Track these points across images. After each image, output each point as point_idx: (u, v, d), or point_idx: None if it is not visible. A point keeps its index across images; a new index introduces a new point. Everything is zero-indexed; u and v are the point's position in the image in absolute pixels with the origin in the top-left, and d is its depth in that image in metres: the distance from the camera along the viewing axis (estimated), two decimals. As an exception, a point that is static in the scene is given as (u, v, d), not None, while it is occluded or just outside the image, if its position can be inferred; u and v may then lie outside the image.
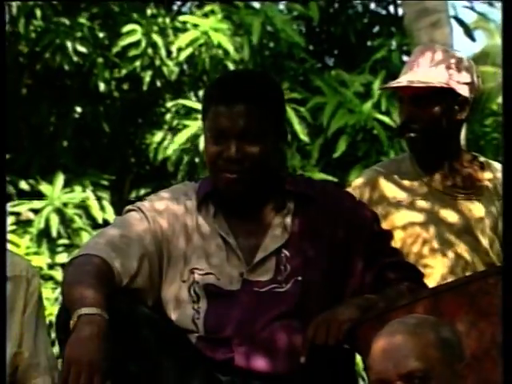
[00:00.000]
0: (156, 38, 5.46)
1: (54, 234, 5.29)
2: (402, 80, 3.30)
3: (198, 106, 5.30)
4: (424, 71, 3.30)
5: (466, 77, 3.36)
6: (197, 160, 5.47)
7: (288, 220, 2.75)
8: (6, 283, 2.52)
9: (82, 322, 2.41)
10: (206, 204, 2.76)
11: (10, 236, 5.11)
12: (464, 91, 3.34)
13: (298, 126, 5.22)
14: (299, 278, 2.68)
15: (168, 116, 5.56)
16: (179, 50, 5.44)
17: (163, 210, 2.77)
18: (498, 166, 3.63)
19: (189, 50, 5.39)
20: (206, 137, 2.77)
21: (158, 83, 5.56)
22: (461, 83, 3.32)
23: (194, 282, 2.68)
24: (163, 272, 2.71)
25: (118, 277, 2.60)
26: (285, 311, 2.65)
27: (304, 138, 5.37)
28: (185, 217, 2.75)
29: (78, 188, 5.47)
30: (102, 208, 5.42)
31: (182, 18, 5.69)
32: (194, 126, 5.38)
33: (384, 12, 6.27)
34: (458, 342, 2.28)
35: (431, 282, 3.11)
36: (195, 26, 5.39)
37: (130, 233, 2.71)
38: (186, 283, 2.69)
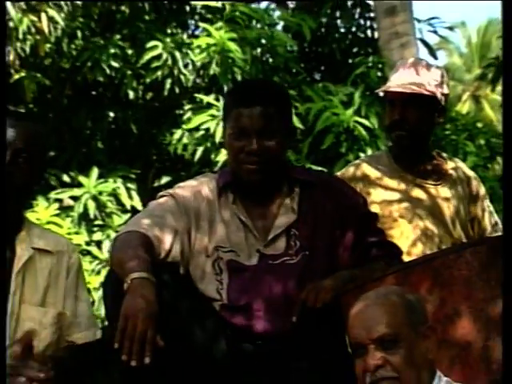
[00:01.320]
0: (174, 51, 5.47)
1: (91, 216, 5.30)
2: (400, 86, 3.30)
3: (211, 104, 5.34)
4: (415, 80, 3.30)
5: (445, 89, 3.39)
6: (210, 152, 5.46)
7: (295, 203, 2.78)
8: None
9: (134, 284, 2.44)
10: (226, 191, 2.79)
11: (54, 219, 5.14)
12: (443, 101, 3.37)
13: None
14: (306, 253, 2.71)
15: (185, 117, 5.56)
16: (193, 62, 5.43)
17: (190, 195, 2.79)
18: (457, 160, 3.67)
19: (202, 57, 5.39)
20: (228, 135, 2.76)
21: (177, 90, 5.56)
22: (442, 94, 3.34)
23: (218, 258, 2.72)
24: (191, 247, 2.74)
25: (157, 250, 2.64)
26: (294, 280, 2.68)
27: (298, 137, 5.36)
28: (208, 202, 2.78)
29: (110, 179, 5.49)
30: (130, 196, 5.44)
31: (196, 32, 5.68)
32: (206, 122, 5.40)
33: (363, 35, 6.28)
34: (422, 307, 2.28)
35: (403, 247, 3.14)
36: (208, 35, 5.41)
37: (164, 214, 2.74)
38: (210, 258, 2.72)
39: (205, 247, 2.74)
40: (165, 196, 2.83)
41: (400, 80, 3.32)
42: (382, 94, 3.66)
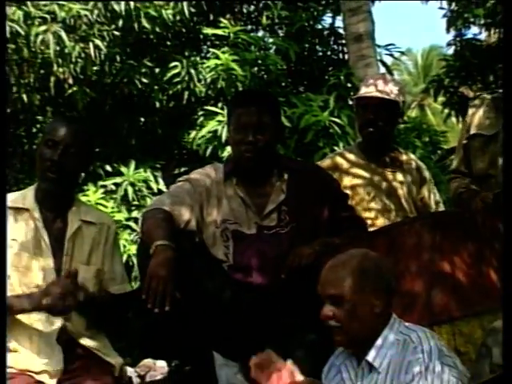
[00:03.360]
0: (190, 70, 5.46)
1: (129, 198, 5.30)
2: (373, 92, 3.27)
3: (218, 112, 5.33)
4: (384, 89, 3.27)
5: (404, 97, 3.38)
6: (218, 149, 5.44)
7: (284, 185, 2.76)
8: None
9: (158, 249, 2.44)
10: (230, 176, 2.77)
11: (101, 201, 5.14)
12: (402, 106, 3.35)
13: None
14: (294, 224, 2.69)
15: (199, 121, 5.54)
16: (205, 78, 5.41)
17: (202, 179, 2.78)
18: (409, 153, 3.65)
19: (211, 74, 5.38)
20: (230, 130, 2.77)
21: (192, 99, 5.53)
22: (401, 101, 3.31)
23: (225, 229, 2.70)
24: (204, 220, 2.72)
25: (177, 223, 2.63)
26: (284, 246, 2.66)
27: (286, 134, 5.36)
28: (216, 184, 2.76)
29: (142, 169, 5.47)
30: (157, 182, 5.43)
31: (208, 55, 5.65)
32: (215, 125, 5.37)
33: (336, 57, 6.31)
34: (377, 272, 2.20)
35: (368, 220, 3.14)
36: (216, 58, 5.41)
37: (182, 195, 2.73)
38: (219, 228, 2.70)
39: (214, 220, 2.72)
40: (182, 180, 2.82)
41: (373, 89, 3.29)
42: (353, 100, 3.63)
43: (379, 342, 2.19)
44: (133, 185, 5.28)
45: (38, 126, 6.15)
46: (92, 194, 5.14)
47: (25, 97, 5.56)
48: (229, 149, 3.08)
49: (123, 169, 5.44)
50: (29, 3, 5.26)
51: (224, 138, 5.19)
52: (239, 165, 2.74)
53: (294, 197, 2.73)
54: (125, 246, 2.70)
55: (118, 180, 5.35)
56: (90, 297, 2.54)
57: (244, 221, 2.71)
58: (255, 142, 2.67)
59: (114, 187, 5.34)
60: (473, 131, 3.07)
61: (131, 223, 5.16)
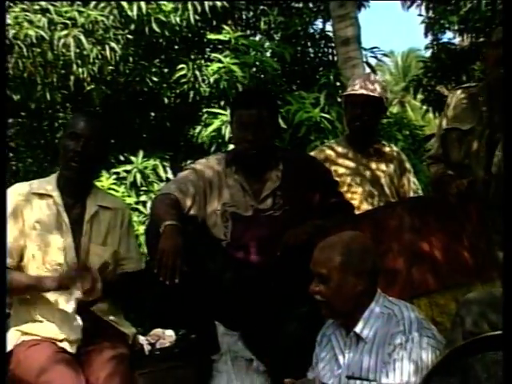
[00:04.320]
0: (195, 71, 5.43)
1: (138, 184, 5.29)
2: (361, 90, 3.24)
3: (222, 113, 5.30)
4: (370, 87, 3.25)
5: (387, 95, 3.36)
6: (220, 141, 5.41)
7: (279, 173, 2.75)
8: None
9: (167, 229, 2.46)
10: (231, 166, 2.76)
11: (113, 186, 5.14)
12: (385, 103, 3.31)
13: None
14: (287, 208, 2.68)
15: (203, 117, 5.52)
16: (209, 79, 5.38)
17: (205, 168, 2.77)
18: (392, 145, 3.65)
19: (214, 76, 5.35)
20: (233, 128, 2.77)
21: (197, 98, 5.51)
22: (385, 98, 3.29)
23: (224, 211, 2.69)
24: (206, 204, 2.71)
25: (182, 206, 2.63)
26: (278, 227, 2.64)
27: (281, 129, 5.34)
28: (217, 172, 2.75)
29: (151, 159, 5.45)
30: (165, 171, 5.41)
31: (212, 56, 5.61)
32: (218, 123, 5.33)
33: (326, 59, 6.29)
34: (362, 254, 2.19)
35: (355, 204, 3.11)
36: (219, 61, 5.38)
37: (187, 181, 2.72)
38: (219, 211, 2.69)
39: (215, 204, 2.71)
40: (188, 169, 2.82)
41: (360, 87, 3.26)
42: (341, 97, 3.61)
43: (366, 315, 2.19)
44: (141, 172, 5.27)
45: (60, 120, 6.13)
46: (105, 180, 5.14)
47: (48, 95, 5.55)
48: (231, 146, 3.08)
49: (134, 158, 5.42)
50: (52, 11, 5.24)
51: (227, 136, 5.16)
52: (240, 158, 2.74)
53: (288, 184, 2.71)
54: (133, 227, 2.72)
55: (128, 167, 5.33)
56: (108, 279, 2.54)
57: (242, 204, 2.70)
58: (255, 141, 2.66)
59: (124, 174, 5.32)
60: (450, 125, 3.03)
61: (140, 206, 5.15)
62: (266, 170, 2.75)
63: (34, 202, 2.61)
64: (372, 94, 3.23)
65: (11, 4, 5.27)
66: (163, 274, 2.37)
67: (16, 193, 2.62)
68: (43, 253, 2.56)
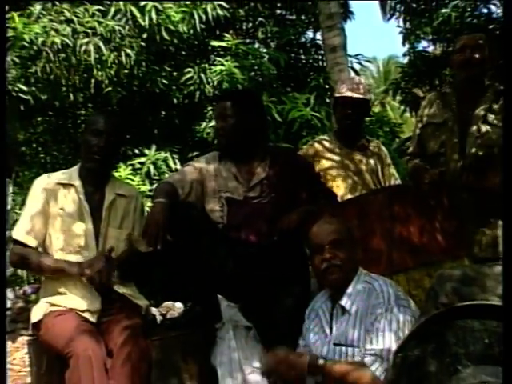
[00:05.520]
0: (201, 74, 5.41)
1: (152, 174, 5.27)
2: (349, 92, 3.21)
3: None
4: (358, 89, 3.22)
5: (370, 96, 3.32)
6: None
7: (267, 166, 2.73)
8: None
9: (155, 204, 2.47)
10: (223, 158, 2.76)
11: (129, 176, 5.12)
12: (370, 104, 3.32)
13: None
14: (273, 195, 2.66)
15: (208, 115, 5.49)
16: (213, 81, 5.35)
17: (201, 163, 2.78)
18: (374, 140, 3.62)
19: (218, 78, 5.32)
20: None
21: (203, 97, 5.48)
22: (369, 99, 3.26)
23: (220, 197, 2.67)
24: (204, 192, 2.70)
25: (180, 193, 2.62)
26: (265, 212, 2.62)
27: (277, 125, 5.31)
28: (213, 166, 2.74)
29: (162, 152, 5.43)
30: (174, 162, 5.38)
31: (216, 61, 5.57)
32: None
33: (316, 64, 6.25)
34: (352, 232, 2.26)
35: (339, 194, 3.09)
36: (222, 65, 5.35)
37: (186, 173, 2.72)
38: (216, 197, 2.68)
39: (212, 191, 2.71)
40: (188, 165, 2.81)
41: (349, 89, 3.24)
42: (331, 98, 3.59)
43: (350, 289, 2.18)
44: (154, 163, 5.26)
45: (82, 118, 6.10)
46: (122, 171, 5.13)
47: (71, 95, 5.54)
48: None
49: (147, 151, 5.39)
50: (76, 21, 5.22)
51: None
52: (219, 148, 2.77)
53: (274, 175, 2.70)
54: (146, 212, 2.73)
55: (142, 159, 5.31)
56: (123, 258, 2.53)
57: (235, 191, 2.69)
58: (223, 128, 2.69)
59: (139, 165, 5.30)
60: (426, 121, 3.04)
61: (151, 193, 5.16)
62: (254, 162, 2.73)
63: (59, 191, 2.60)
64: (360, 96, 3.21)
65: (40, 15, 5.25)
66: (147, 241, 2.37)
67: (43, 182, 2.62)
68: (66, 236, 2.55)
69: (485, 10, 6.63)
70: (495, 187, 2.00)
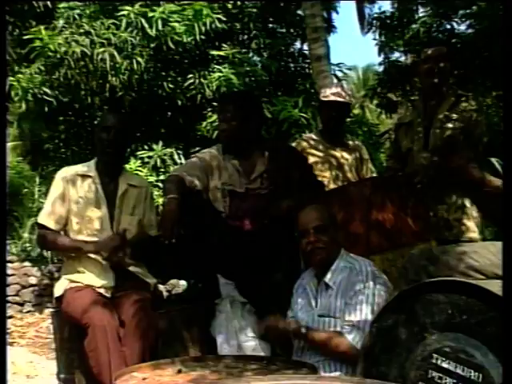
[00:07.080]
0: (201, 80, 5.38)
1: (159, 167, 5.25)
2: (334, 97, 3.17)
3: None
4: (342, 93, 3.20)
5: (351, 100, 3.31)
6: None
7: (265, 160, 2.68)
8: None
9: (168, 200, 2.40)
10: (226, 153, 2.70)
11: (138, 168, 5.07)
12: (351, 107, 3.32)
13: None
14: (272, 187, 2.62)
15: (208, 115, 5.47)
16: (212, 86, 5.30)
17: (206, 155, 2.70)
18: (354, 138, 3.62)
19: (216, 82, 5.28)
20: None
21: (203, 100, 5.45)
22: (350, 103, 3.26)
23: (224, 189, 2.62)
24: (209, 183, 2.64)
25: (187, 183, 2.55)
26: (265, 201, 2.59)
27: (269, 125, 5.27)
28: (217, 158, 2.69)
29: (168, 147, 5.40)
30: (179, 157, 5.36)
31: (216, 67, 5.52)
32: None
33: (303, 72, 6.22)
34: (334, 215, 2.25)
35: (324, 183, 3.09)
36: (220, 71, 5.32)
37: (192, 165, 2.66)
38: (219, 189, 2.63)
39: (216, 183, 2.65)
40: (193, 157, 2.76)
41: (334, 94, 3.21)
42: (317, 101, 3.55)
43: (333, 267, 2.18)
44: (160, 157, 5.23)
45: (98, 118, 6.06)
46: (133, 164, 5.12)
47: (89, 98, 5.53)
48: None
49: (155, 146, 5.37)
50: (93, 33, 5.18)
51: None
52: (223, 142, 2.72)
53: (272, 168, 2.66)
54: (154, 200, 2.70)
55: (150, 154, 5.29)
56: (134, 241, 2.52)
57: (237, 183, 2.65)
58: (226, 129, 2.63)
59: (147, 159, 5.28)
60: (398, 123, 3.12)
61: (159, 184, 5.11)
62: (254, 156, 2.68)
63: (78, 181, 2.59)
64: (344, 100, 3.20)
65: (62, 28, 5.24)
66: (162, 235, 2.32)
67: (64, 174, 2.62)
68: (84, 221, 2.54)
69: (448, 26, 6.68)
70: (460, 168, 2.01)
